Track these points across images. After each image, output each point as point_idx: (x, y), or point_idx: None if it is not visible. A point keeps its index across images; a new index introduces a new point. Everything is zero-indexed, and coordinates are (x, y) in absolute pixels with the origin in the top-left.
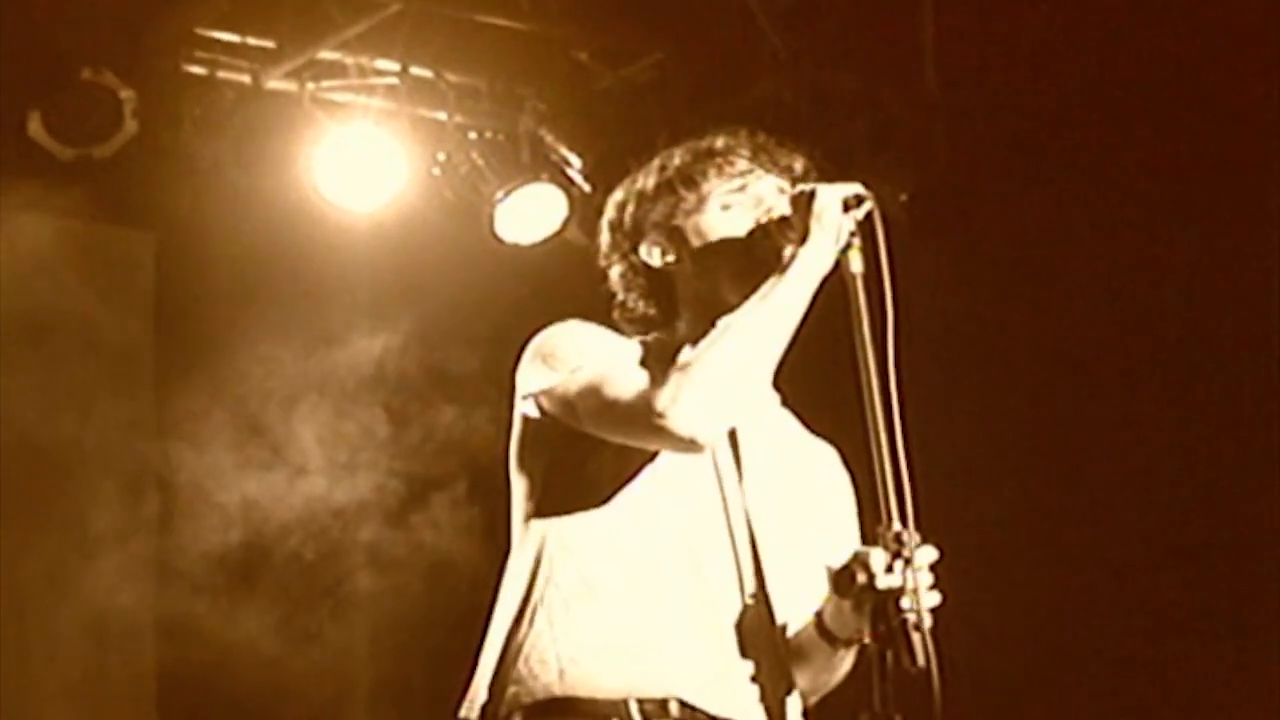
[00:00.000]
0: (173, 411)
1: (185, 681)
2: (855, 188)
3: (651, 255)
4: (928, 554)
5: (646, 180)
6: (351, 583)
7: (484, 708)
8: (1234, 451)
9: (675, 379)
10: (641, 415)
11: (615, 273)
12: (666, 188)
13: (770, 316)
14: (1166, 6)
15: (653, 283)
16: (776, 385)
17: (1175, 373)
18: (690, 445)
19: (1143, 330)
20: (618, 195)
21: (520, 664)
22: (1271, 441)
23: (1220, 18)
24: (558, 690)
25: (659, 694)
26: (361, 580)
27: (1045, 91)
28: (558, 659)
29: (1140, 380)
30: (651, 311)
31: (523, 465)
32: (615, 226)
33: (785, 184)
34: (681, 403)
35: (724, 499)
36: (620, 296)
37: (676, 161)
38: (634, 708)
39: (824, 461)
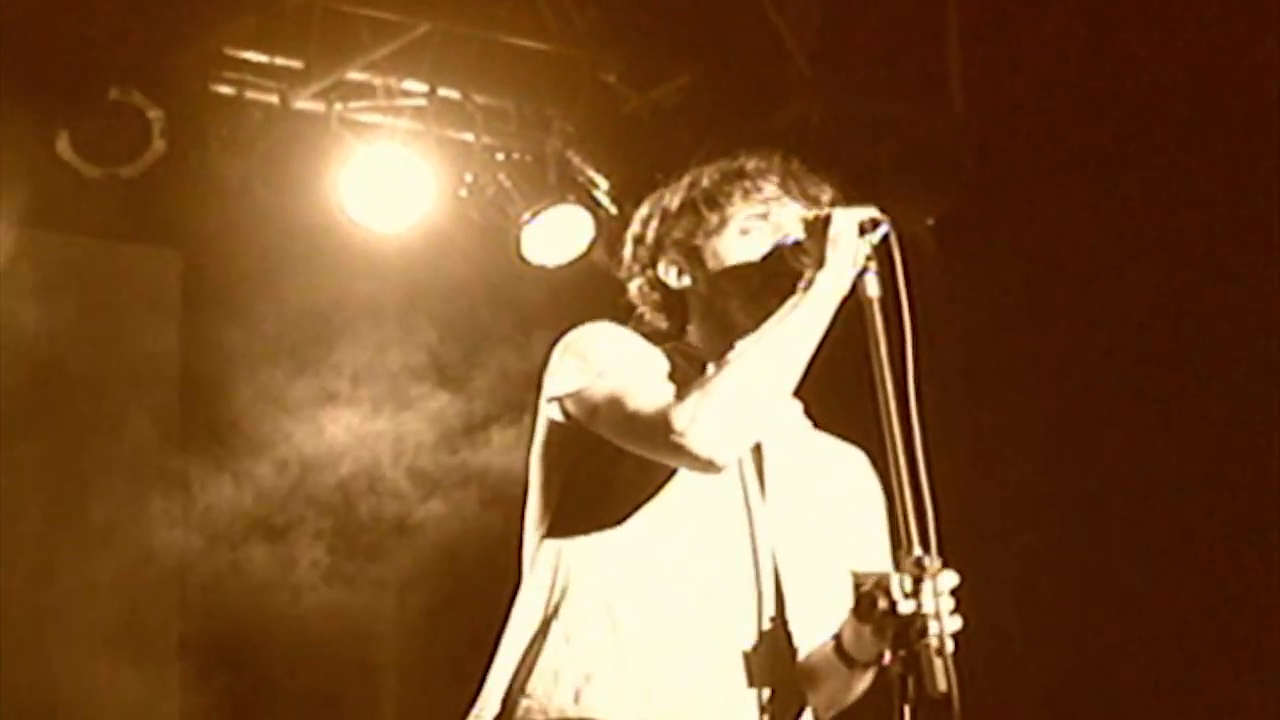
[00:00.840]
0: (199, 427)
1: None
2: (871, 211)
3: (668, 274)
4: (949, 579)
5: (673, 198)
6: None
7: (494, 719)
8: (1266, 472)
9: (694, 399)
10: (660, 433)
11: (634, 286)
12: (690, 207)
13: (787, 340)
14: (1193, 29)
15: (667, 300)
16: (807, 411)
17: (1206, 395)
18: (708, 466)
19: (1172, 353)
20: (644, 210)
21: (534, 678)
22: None
23: (1250, 37)
24: (572, 712)
25: None
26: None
27: (1073, 114)
28: (573, 678)
29: (1169, 404)
30: (663, 327)
31: (544, 471)
32: (638, 241)
33: (808, 213)
34: (700, 423)
35: (748, 524)
36: (638, 310)
37: (705, 181)
38: None
39: (851, 467)
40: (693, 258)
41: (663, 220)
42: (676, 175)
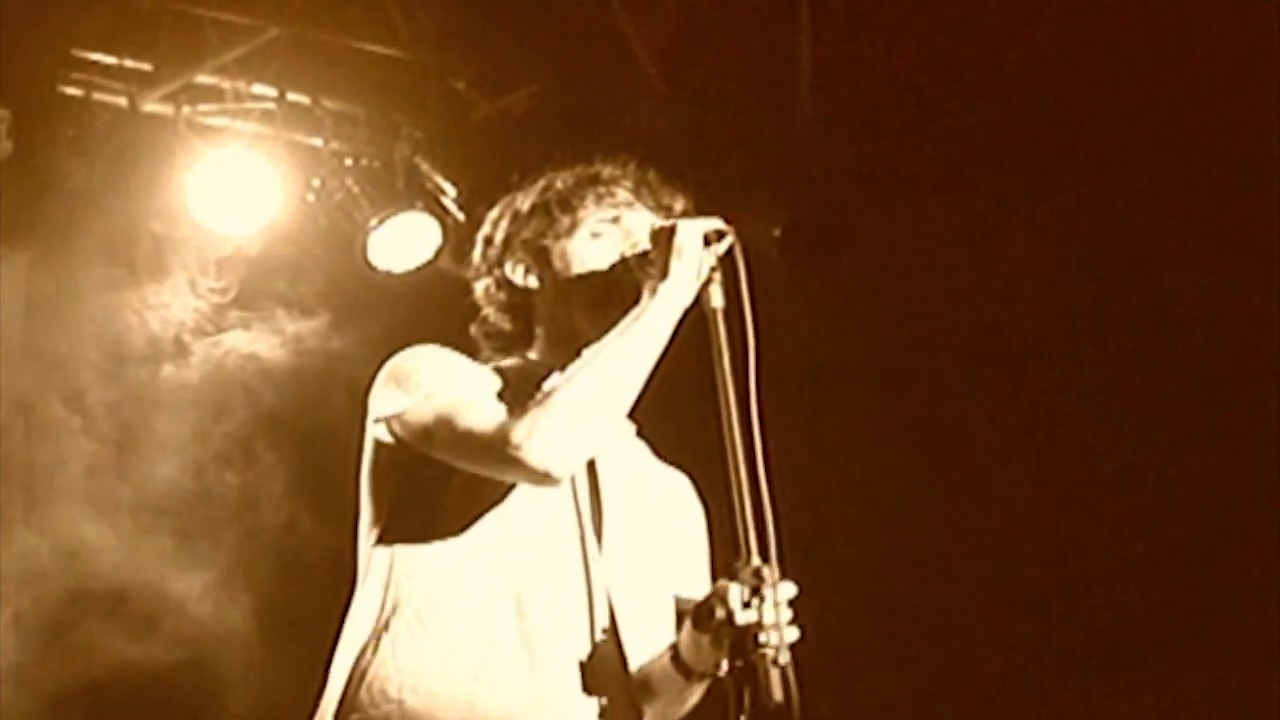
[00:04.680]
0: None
1: None
2: (716, 223)
3: (515, 273)
4: (787, 589)
5: (525, 200)
6: None
7: None
8: (1103, 491)
9: (533, 412)
10: (497, 447)
11: (480, 286)
12: (542, 208)
13: (628, 352)
14: (1046, 38)
15: (512, 300)
16: (632, 416)
17: (1047, 399)
18: (544, 479)
19: (1012, 358)
20: (495, 212)
21: (363, 691)
22: (1133, 465)
23: (1098, 40)
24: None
25: None
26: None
27: (922, 127)
28: (399, 689)
29: (1010, 414)
30: (507, 328)
31: (373, 489)
32: (487, 241)
33: (657, 222)
34: (537, 436)
35: (580, 538)
36: (482, 311)
37: (558, 185)
38: None
39: (678, 492)
40: (541, 258)
41: (513, 221)
42: (531, 179)
